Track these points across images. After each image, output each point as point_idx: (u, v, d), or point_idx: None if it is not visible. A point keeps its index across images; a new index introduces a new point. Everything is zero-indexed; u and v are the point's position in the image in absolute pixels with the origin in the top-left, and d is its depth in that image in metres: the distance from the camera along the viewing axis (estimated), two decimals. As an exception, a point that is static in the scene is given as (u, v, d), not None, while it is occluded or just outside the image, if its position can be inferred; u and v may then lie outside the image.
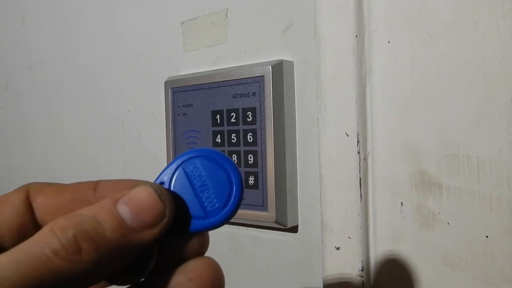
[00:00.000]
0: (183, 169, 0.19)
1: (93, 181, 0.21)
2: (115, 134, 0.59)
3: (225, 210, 0.19)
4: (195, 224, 0.19)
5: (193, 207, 0.19)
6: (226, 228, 0.46)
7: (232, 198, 0.19)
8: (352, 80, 0.34)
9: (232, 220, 0.44)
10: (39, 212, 0.20)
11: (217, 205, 0.19)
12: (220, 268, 0.19)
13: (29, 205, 0.20)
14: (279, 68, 0.40)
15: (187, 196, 0.19)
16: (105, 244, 0.16)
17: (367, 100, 0.34)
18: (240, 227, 0.45)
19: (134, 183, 0.19)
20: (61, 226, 0.16)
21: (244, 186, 0.19)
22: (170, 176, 0.19)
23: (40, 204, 0.21)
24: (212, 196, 0.19)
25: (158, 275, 0.19)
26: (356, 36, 0.34)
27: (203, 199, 0.19)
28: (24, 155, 0.74)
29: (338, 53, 0.34)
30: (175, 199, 0.19)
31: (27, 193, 0.21)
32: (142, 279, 0.19)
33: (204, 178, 0.19)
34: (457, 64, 0.30)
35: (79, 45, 0.64)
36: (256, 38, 0.43)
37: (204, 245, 0.19)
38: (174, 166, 0.19)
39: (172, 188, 0.19)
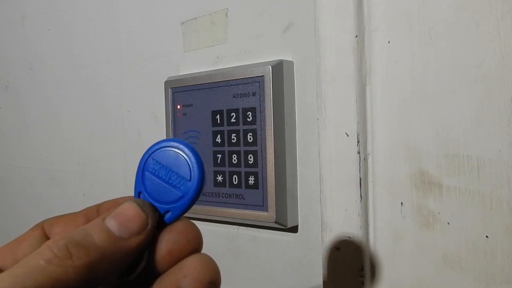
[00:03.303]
0: (146, 171, 0.22)
1: (97, 204, 0.22)
2: (115, 134, 0.59)
3: (194, 177, 0.21)
4: (178, 208, 0.21)
5: (171, 195, 0.21)
6: (226, 228, 0.46)
7: (194, 164, 0.21)
8: (352, 80, 0.34)
9: (232, 220, 0.45)
10: None
11: (185, 179, 0.21)
12: (214, 263, 0.20)
13: (46, 239, 0.22)
14: (279, 68, 0.40)
15: (162, 188, 0.21)
16: (94, 249, 0.18)
17: (367, 100, 0.34)
18: (240, 227, 0.45)
19: (125, 200, 0.21)
20: (54, 240, 0.18)
21: (195, 149, 0.21)
22: (141, 183, 0.22)
23: (57, 235, 0.21)
24: (179, 175, 0.21)
25: (156, 274, 0.20)
26: (356, 36, 0.34)
27: (174, 183, 0.21)
28: (24, 155, 0.74)
29: (338, 53, 0.34)
30: (156, 200, 0.21)
31: (42, 228, 0.22)
32: (133, 278, 0.20)
33: (165, 167, 0.21)
34: (457, 64, 0.30)
35: (79, 45, 0.64)
36: (256, 38, 0.43)
37: (195, 241, 0.20)
38: (139, 173, 0.22)
39: (147, 192, 0.21)
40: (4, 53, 0.77)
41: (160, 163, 0.21)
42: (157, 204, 0.21)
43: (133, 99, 0.56)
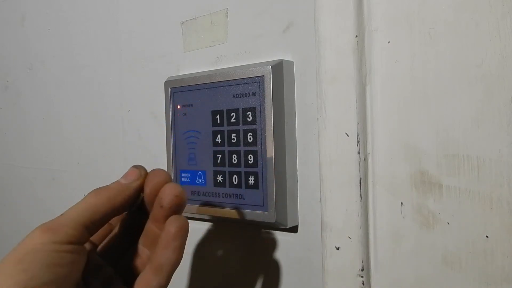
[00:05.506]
0: None
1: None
2: (115, 134, 0.59)
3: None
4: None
5: None
6: (226, 227, 0.46)
7: None
8: (352, 80, 0.34)
9: (232, 220, 0.45)
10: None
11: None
12: (178, 185, 0.33)
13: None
14: (279, 68, 0.40)
15: None
16: (111, 188, 0.32)
17: (367, 100, 0.34)
18: (240, 227, 0.45)
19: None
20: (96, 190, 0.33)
21: None
22: None
23: None
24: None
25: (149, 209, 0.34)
26: (356, 36, 0.34)
27: None
28: (24, 155, 0.74)
29: (338, 53, 0.34)
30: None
31: None
32: (134, 209, 0.35)
33: None
34: (457, 64, 0.30)
35: (79, 45, 0.64)
36: (256, 38, 0.43)
37: (164, 177, 0.33)
38: None
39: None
40: (4, 53, 0.77)
41: None
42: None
43: (133, 99, 0.56)
